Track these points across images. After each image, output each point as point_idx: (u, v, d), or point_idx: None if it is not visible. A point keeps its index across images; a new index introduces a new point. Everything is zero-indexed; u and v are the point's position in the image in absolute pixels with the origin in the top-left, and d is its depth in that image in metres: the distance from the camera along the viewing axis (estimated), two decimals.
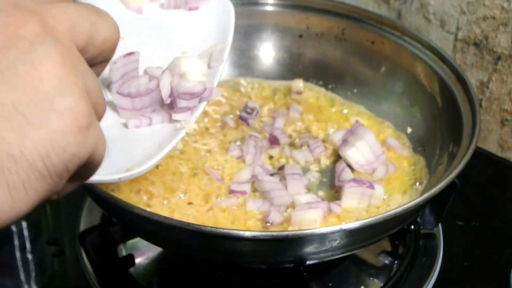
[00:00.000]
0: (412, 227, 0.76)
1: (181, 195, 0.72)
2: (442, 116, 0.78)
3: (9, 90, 0.30)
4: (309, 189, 0.76)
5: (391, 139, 0.82)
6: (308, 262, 0.62)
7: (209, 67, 0.62)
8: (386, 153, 0.79)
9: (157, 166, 0.76)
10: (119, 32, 0.39)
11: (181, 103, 0.57)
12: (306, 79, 0.92)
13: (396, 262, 0.74)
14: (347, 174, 0.75)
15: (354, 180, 0.71)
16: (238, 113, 0.87)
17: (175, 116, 0.57)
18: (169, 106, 0.58)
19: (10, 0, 0.33)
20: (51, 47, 0.32)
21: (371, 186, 0.70)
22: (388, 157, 0.79)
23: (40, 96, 0.31)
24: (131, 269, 0.73)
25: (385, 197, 0.73)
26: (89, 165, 0.35)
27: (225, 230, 0.57)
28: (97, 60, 0.38)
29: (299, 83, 0.91)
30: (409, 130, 0.83)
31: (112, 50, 0.38)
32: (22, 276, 0.75)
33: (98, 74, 0.39)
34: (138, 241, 0.75)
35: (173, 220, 0.58)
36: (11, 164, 0.30)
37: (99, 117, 0.36)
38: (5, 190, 0.30)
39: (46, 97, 0.31)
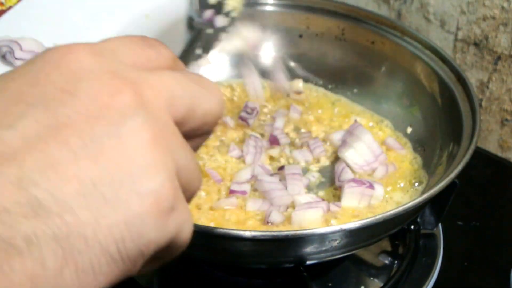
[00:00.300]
0: (412, 227, 0.76)
1: None
2: (442, 116, 0.78)
3: (90, 165, 0.28)
4: (309, 189, 0.76)
5: (390, 139, 0.82)
6: (308, 262, 0.62)
7: None
8: (386, 153, 0.79)
9: None
10: (224, 105, 0.36)
11: None
12: (306, 79, 0.92)
13: (396, 262, 0.74)
14: (347, 174, 0.75)
15: (354, 180, 0.71)
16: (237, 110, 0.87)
17: None
18: None
19: (106, 66, 0.30)
20: (143, 122, 0.29)
21: (371, 186, 0.70)
22: (387, 157, 0.79)
23: (122, 175, 0.29)
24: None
25: (386, 196, 0.73)
26: (171, 249, 0.33)
27: (225, 230, 0.57)
28: (197, 133, 0.35)
29: (298, 83, 0.91)
30: (409, 130, 0.83)
31: (213, 124, 0.36)
32: None
33: (196, 147, 0.37)
34: None
35: None
36: (82, 246, 0.27)
37: (191, 195, 0.34)
38: (73, 272, 0.27)
39: (129, 176, 0.29)
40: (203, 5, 0.64)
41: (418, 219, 0.76)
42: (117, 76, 0.30)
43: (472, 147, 0.65)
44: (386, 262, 0.75)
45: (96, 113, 0.29)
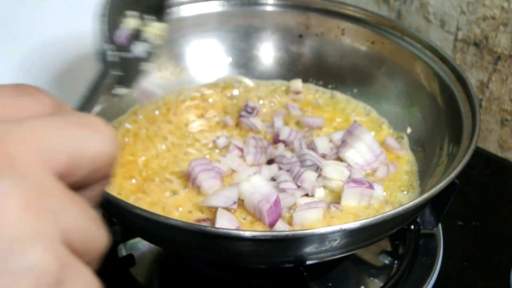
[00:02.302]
0: (412, 227, 0.76)
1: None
2: (442, 116, 0.78)
3: None
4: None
5: (389, 139, 0.82)
6: (308, 262, 0.62)
7: None
8: (386, 153, 0.80)
9: (162, 161, 0.76)
10: (116, 143, 0.32)
11: None
12: (306, 79, 0.92)
13: (396, 262, 0.74)
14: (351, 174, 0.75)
15: (353, 180, 0.71)
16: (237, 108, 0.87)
17: None
18: None
19: None
20: (11, 187, 0.25)
21: (371, 186, 0.70)
22: (387, 157, 0.79)
23: None
24: (131, 269, 0.73)
25: (384, 193, 0.73)
26: None
27: (225, 230, 0.57)
28: (91, 181, 0.31)
29: (298, 83, 0.91)
30: (409, 130, 0.83)
31: (108, 166, 0.32)
32: None
33: (95, 196, 0.33)
34: (138, 241, 0.75)
35: (173, 220, 0.58)
36: None
37: (95, 255, 0.30)
38: None
39: (3, 253, 0.25)
40: (113, 28, 0.56)
41: (418, 219, 0.76)
42: None
43: (472, 147, 0.65)
44: (386, 262, 0.75)
45: None
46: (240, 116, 0.85)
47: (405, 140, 0.82)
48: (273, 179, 0.75)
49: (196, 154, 0.80)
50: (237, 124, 0.85)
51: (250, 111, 0.86)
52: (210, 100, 0.89)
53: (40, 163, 0.27)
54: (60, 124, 0.29)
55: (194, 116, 0.87)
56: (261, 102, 0.90)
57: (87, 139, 0.30)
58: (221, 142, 0.81)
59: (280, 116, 0.86)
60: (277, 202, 0.67)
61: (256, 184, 0.67)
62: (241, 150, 0.79)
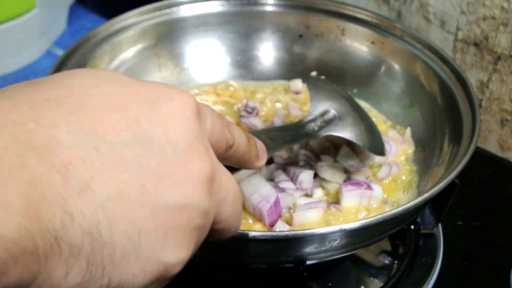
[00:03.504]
0: (412, 227, 0.76)
1: None
2: (442, 116, 0.78)
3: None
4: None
5: (392, 132, 0.82)
6: (308, 262, 0.62)
7: None
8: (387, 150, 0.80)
9: None
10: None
11: None
12: (306, 79, 0.92)
13: (396, 262, 0.74)
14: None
15: (351, 182, 0.71)
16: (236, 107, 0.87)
17: None
18: None
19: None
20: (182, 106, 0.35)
21: (369, 187, 0.70)
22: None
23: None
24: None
25: (384, 195, 0.73)
26: (219, 226, 0.37)
27: None
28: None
29: (298, 83, 0.91)
30: (408, 130, 0.83)
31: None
32: None
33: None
34: None
35: None
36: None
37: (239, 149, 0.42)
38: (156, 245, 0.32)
39: (180, 158, 0.33)
40: None
41: (418, 219, 0.76)
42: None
43: (472, 147, 0.65)
44: (386, 262, 0.75)
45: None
46: (240, 116, 0.85)
47: (408, 132, 0.82)
48: (272, 179, 0.75)
49: None
50: (237, 124, 0.85)
51: (250, 111, 0.86)
52: (210, 100, 0.89)
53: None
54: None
55: None
56: (261, 102, 0.90)
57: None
58: None
59: (280, 116, 0.86)
60: (277, 202, 0.67)
61: (256, 185, 0.67)
62: None
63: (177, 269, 0.35)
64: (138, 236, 0.30)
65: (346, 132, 0.63)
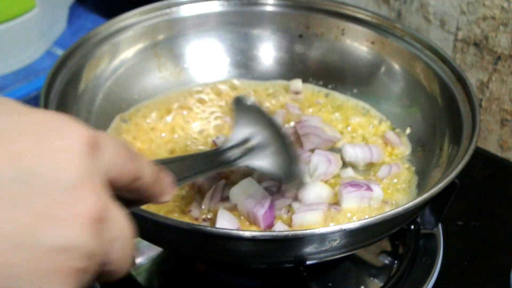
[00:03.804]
0: (412, 227, 0.76)
1: None
2: (442, 116, 0.78)
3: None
4: None
5: (389, 133, 0.82)
6: (308, 262, 0.62)
7: None
8: (384, 148, 0.80)
9: None
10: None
11: None
12: (306, 79, 0.92)
13: (396, 262, 0.74)
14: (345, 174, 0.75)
15: (351, 184, 0.71)
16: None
17: None
18: None
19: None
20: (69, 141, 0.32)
21: (369, 188, 0.70)
22: (386, 152, 0.80)
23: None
24: (131, 269, 0.73)
25: (383, 193, 0.73)
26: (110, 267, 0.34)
27: (225, 230, 0.57)
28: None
29: (298, 83, 0.91)
30: (408, 130, 0.83)
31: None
32: None
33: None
34: (138, 241, 0.75)
35: (173, 220, 0.58)
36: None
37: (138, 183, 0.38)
38: None
39: (61, 195, 0.31)
40: None
41: (418, 219, 0.76)
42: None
43: (472, 147, 0.65)
44: (386, 262, 0.75)
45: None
46: None
47: (405, 136, 0.82)
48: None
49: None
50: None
51: None
52: (210, 100, 0.89)
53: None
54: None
55: (195, 116, 0.87)
56: (261, 102, 0.90)
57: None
58: (221, 142, 0.81)
59: (280, 115, 0.86)
60: (271, 206, 0.67)
61: (248, 188, 0.67)
62: None
63: None
64: (16, 282, 0.29)
65: (265, 164, 0.59)
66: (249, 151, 0.57)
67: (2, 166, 0.29)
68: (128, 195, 0.38)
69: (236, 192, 0.67)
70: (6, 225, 0.28)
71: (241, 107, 0.62)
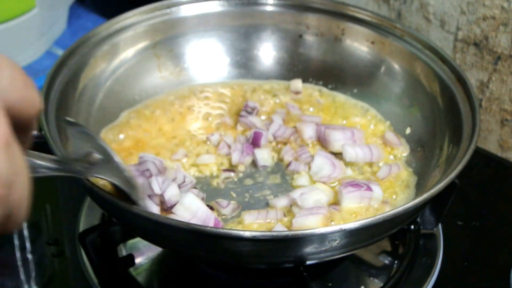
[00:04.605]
0: (412, 227, 0.76)
1: None
2: (442, 116, 0.78)
3: None
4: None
5: (389, 134, 0.82)
6: (308, 262, 0.62)
7: None
8: (384, 149, 0.80)
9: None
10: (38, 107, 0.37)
11: None
12: (306, 79, 0.92)
13: (396, 262, 0.74)
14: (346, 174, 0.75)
15: (351, 184, 0.71)
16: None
17: None
18: None
19: None
20: None
21: (369, 188, 0.70)
22: (385, 152, 0.80)
23: None
24: (131, 269, 0.73)
25: (383, 194, 0.73)
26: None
27: (225, 230, 0.57)
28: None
29: (298, 83, 0.91)
30: (408, 130, 0.83)
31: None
32: (22, 276, 0.75)
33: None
34: (138, 241, 0.75)
35: (173, 220, 0.58)
36: None
37: (30, 115, 0.36)
38: None
39: None
40: None
41: (418, 219, 0.76)
42: None
43: (472, 147, 0.65)
44: (386, 262, 0.75)
45: None
46: (240, 116, 0.85)
47: (405, 135, 0.83)
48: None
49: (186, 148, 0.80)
50: (236, 124, 0.86)
51: (250, 111, 0.86)
52: (209, 99, 0.89)
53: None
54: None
55: (194, 116, 0.87)
56: (260, 102, 0.90)
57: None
58: (214, 139, 0.82)
59: (280, 115, 0.86)
60: (217, 223, 0.66)
61: (191, 207, 0.66)
62: (230, 147, 0.81)
63: None
64: None
65: (114, 177, 0.60)
66: (95, 164, 0.58)
67: None
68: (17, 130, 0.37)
69: (180, 212, 0.66)
70: None
71: (72, 126, 0.63)
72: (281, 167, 0.80)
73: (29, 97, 0.35)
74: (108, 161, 0.58)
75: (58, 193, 0.89)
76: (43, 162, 0.49)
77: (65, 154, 0.64)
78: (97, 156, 0.58)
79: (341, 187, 0.71)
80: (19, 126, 0.35)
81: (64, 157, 0.63)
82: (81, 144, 0.60)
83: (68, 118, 0.66)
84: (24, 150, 0.37)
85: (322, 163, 0.75)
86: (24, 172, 0.33)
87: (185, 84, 0.90)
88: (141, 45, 0.88)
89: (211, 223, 0.66)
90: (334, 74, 0.91)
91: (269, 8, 0.93)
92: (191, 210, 0.66)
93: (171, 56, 0.90)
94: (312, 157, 0.78)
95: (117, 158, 0.58)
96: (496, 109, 0.95)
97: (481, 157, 0.92)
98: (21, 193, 0.33)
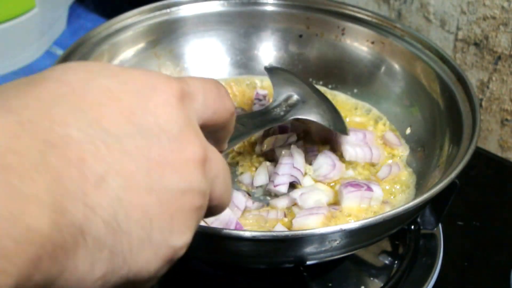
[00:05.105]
0: (412, 227, 0.76)
1: None
2: (442, 116, 0.78)
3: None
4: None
5: (389, 134, 0.82)
6: (308, 262, 0.62)
7: None
8: (384, 149, 0.80)
9: None
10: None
11: None
12: (306, 79, 0.92)
13: (396, 262, 0.74)
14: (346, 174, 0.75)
15: (351, 184, 0.71)
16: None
17: None
18: None
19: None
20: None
21: (369, 189, 0.70)
22: (385, 152, 0.80)
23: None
24: None
25: (383, 194, 0.73)
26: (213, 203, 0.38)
27: (225, 230, 0.57)
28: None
29: None
30: (408, 130, 0.83)
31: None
32: None
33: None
34: None
35: None
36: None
37: (225, 121, 0.41)
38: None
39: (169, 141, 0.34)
40: None
41: (418, 219, 0.76)
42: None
43: (472, 147, 0.65)
44: (386, 262, 0.75)
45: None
46: (254, 104, 0.87)
47: (404, 135, 0.83)
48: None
49: None
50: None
51: (261, 98, 0.87)
52: None
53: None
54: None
55: None
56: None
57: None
58: (237, 113, 0.82)
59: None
60: (239, 227, 0.66)
61: None
62: None
63: (183, 251, 0.36)
64: (150, 223, 0.32)
65: (311, 114, 0.63)
66: (293, 106, 0.60)
67: (122, 123, 0.32)
68: (214, 135, 0.42)
69: None
70: (138, 175, 0.32)
71: (274, 73, 0.67)
72: None
73: (221, 108, 0.40)
74: (305, 100, 0.61)
75: None
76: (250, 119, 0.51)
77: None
78: (295, 97, 0.61)
79: (341, 187, 0.71)
80: (217, 128, 0.41)
81: (266, 107, 0.67)
82: (282, 89, 0.63)
83: (268, 65, 0.68)
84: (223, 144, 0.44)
85: (323, 162, 0.75)
86: (223, 171, 0.38)
87: None
88: (141, 45, 0.88)
89: (232, 227, 0.66)
90: (334, 74, 0.91)
91: (269, 8, 0.93)
92: None
93: (171, 56, 0.90)
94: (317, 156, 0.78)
95: (316, 95, 0.60)
96: (496, 109, 0.95)
97: (481, 157, 0.92)
98: (222, 192, 0.38)
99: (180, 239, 0.35)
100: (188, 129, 0.35)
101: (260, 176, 0.75)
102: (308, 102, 0.62)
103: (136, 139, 0.32)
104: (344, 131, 0.71)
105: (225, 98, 0.41)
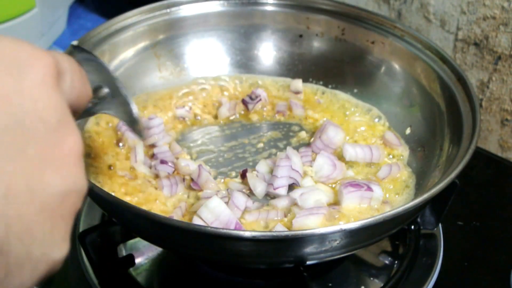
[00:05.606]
0: (412, 227, 0.76)
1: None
2: (442, 116, 0.78)
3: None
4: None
5: (389, 134, 0.82)
6: (308, 262, 0.62)
7: None
8: (384, 149, 0.80)
9: None
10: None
11: None
12: (306, 79, 0.92)
13: (396, 262, 0.74)
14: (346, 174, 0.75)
15: (351, 184, 0.71)
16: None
17: None
18: None
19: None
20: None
21: (369, 189, 0.70)
22: (385, 152, 0.80)
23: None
24: (131, 269, 0.73)
25: (383, 194, 0.73)
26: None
27: (225, 230, 0.57)
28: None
29: (298, 83, 0.91)
30: (408, 130, 0.83)
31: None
32: None
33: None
34: (138, 241, 0.75)
35: (173, 220, 0.58)
36: None
37: (83, 103, 0.40)
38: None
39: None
40: None
41: (418, 219, 0.76)
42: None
43: (472, 147, 0.65)
44: (386, 262, 0.75)
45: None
46: (243, 100, 0.88)
47: (404, 136, 0.83)
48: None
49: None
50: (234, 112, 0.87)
51: (253, 97, 0.87)
52: (204, 94, 0.90)
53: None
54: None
55: (196, 111, 0.87)
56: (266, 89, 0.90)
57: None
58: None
59: (281, 107, 0.87)
60: (238, 227, 0.66)
61: (214, 210, 0.67)
62: None
63: (60, 265, 0.32)
64: (30, 237, 0.28)
65: (119, 112, 0.60)
66: (102, 99, 0.58)
67: None
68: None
69: (204, 215, 0.67)
70: (17, 179, 0.28)
71: (83, 57, 0.61)
72: None
73: (84, 93, 0.38)
74: (115, 94, 0.58)
75: None
76: None
77: None
78: (105, 90, 0.58)
79: (341, 187, 0.71)
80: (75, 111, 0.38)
81: None
82: (90, 77, 0.59)
83: (75, 43, 0.65)
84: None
85: (323, 163, 0.75)
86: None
87: (185, 83, 0.90)
88: (141, 45, 0.88)
89: (232, 227, 0.66)
90: (334, 74, 0.91)
91: (269, 8, 0.93)
92: (215, 213, 0.66)
93: (171, 56, 0.90)
94: (313, 160, 0.78)
95: (124, 91, 0.58)
96: (496, 109, 0.95)
97: (481, 157, 0.92)
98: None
99: (60, 252, 0.30)
100: (66, 117, 0.32)
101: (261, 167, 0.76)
102: (118, 98, 0.58)
103: (13, 133, 0.28)
104: (140, 134, 0.64)
105: (86, 82, 0.38)
